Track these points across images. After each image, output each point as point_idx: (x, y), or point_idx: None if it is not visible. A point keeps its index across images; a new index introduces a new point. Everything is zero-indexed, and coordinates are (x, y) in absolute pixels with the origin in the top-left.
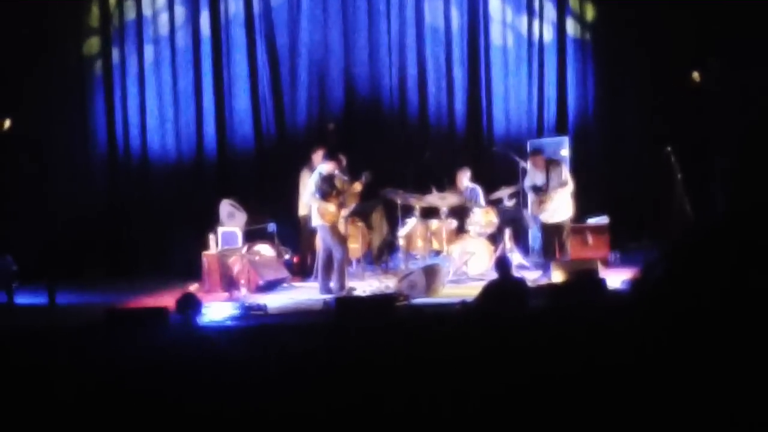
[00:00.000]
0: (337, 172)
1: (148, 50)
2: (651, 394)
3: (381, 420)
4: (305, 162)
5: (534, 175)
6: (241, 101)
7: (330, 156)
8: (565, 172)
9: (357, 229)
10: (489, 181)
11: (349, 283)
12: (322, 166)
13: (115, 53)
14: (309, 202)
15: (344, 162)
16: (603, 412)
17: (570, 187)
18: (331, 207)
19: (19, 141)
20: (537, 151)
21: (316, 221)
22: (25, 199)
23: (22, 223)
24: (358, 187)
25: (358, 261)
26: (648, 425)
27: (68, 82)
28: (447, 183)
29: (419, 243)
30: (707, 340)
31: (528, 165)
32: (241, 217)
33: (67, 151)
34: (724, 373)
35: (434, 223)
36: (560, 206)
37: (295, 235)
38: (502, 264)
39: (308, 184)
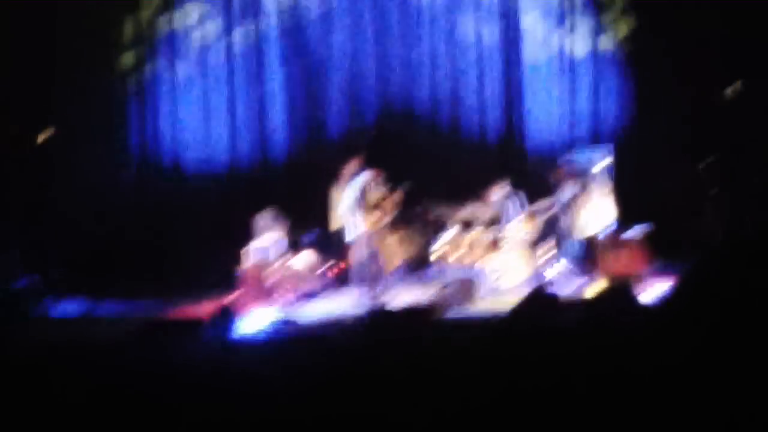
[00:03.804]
0: (374, 183)
1: (182, 65)
2: (677, 402)
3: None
4: (336, 177)
5: (563, 190)
6: (274, 115)
7: (368, 166)
8: (592, 183)
9: (394, 240)
10: (524, 194)
11: (385, 295)
12: (361, 177)
13: (149, 68)
14: (347, 214)
15: (379, 176)
16: (631, 420)
17: (598, 197)
18: (370, 218)
19: (54, 155)
20: (558, 166)
21: (354, 233)
22: (60, 213)
23: (58, 236)
24: (395, 198)
25: (395, 273)
26: None
27: (102, 96)
28: (482, 196)
29: (455, 255)
30: (739, 351)
31: (556, 181)
32: (277, 229)
33: (102, 165)
34: (754, 382)
35: (470, 236)
36: (592, 219)
37: (329, 248)
38: (538, 279)
39: (344, 197)
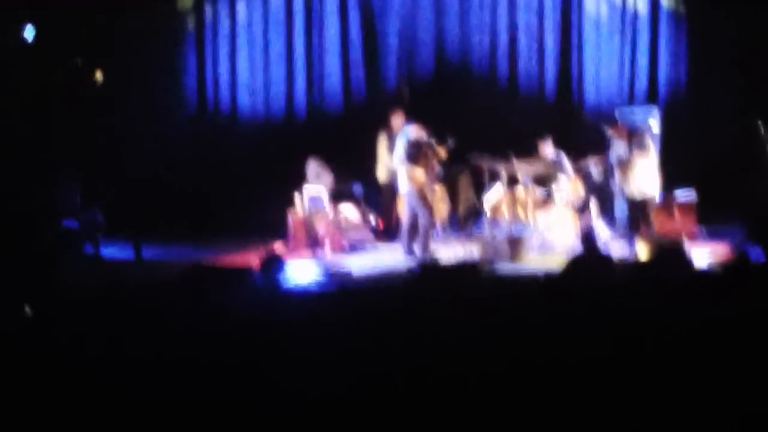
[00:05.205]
0: (423, 136)
1: (241, 8)
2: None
3: (464, 384)
4: (386, 128)
5: (617, 146)
6: (331, 62)
7: (418, 118)
8: (647, 141)
9: (443, 194)
10: (578, 149)
11: (433, 248)
12: (409, 130)
13: (208, 10)
14: (396, 167)
15: (428, 128)
16: (689, 382)
17: (652, 156)
18: (419, 171)
19: (111, 95)
20: (618, 121)
21: (403, 186)
22: (113, 154)
23: (110, 177)
24: (443, 151)
25: (443, 226)
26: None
27: (161, 37)
28: (533, 150)
29: (504, 210)
30: None
31: (611, 135)
32: (328, 177)
33: (158, 107)
34: None
35: (520, 191)
36: (644, 178)
37: (378, 199)
38: (588, 237)
39: (394, 148)
